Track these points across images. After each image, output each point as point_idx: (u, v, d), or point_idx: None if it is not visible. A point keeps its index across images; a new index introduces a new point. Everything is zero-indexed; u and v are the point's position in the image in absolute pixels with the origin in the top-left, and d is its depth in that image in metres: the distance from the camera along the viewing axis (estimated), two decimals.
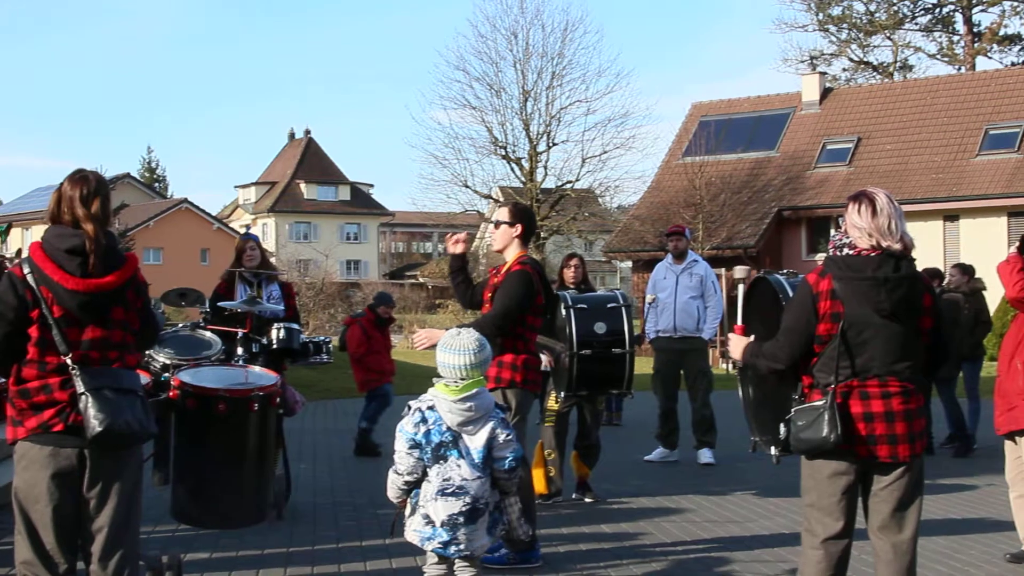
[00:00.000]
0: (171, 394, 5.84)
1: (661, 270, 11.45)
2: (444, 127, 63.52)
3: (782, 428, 4.80)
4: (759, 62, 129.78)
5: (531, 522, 6.58)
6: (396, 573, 6.79)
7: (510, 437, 5.10)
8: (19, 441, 4.57)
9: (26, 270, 4.53)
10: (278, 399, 6.08)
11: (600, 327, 8.53)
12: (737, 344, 5.11)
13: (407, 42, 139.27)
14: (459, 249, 7.01)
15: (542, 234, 37.75)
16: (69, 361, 4.50)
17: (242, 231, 60.77)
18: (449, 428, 5.01)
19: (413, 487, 5.08)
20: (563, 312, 8.36)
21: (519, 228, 6.71)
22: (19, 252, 7.26)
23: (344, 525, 8.20)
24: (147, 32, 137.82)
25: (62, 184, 4.68)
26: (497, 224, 6.79)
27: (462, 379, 5.01)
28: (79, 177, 4.68)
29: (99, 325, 4.57)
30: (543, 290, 6.66)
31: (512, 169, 40.50)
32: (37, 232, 58.32)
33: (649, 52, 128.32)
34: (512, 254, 6.71)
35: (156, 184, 79.36)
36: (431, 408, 5.05)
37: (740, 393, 5.60)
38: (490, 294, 6.66)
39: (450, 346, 5.08)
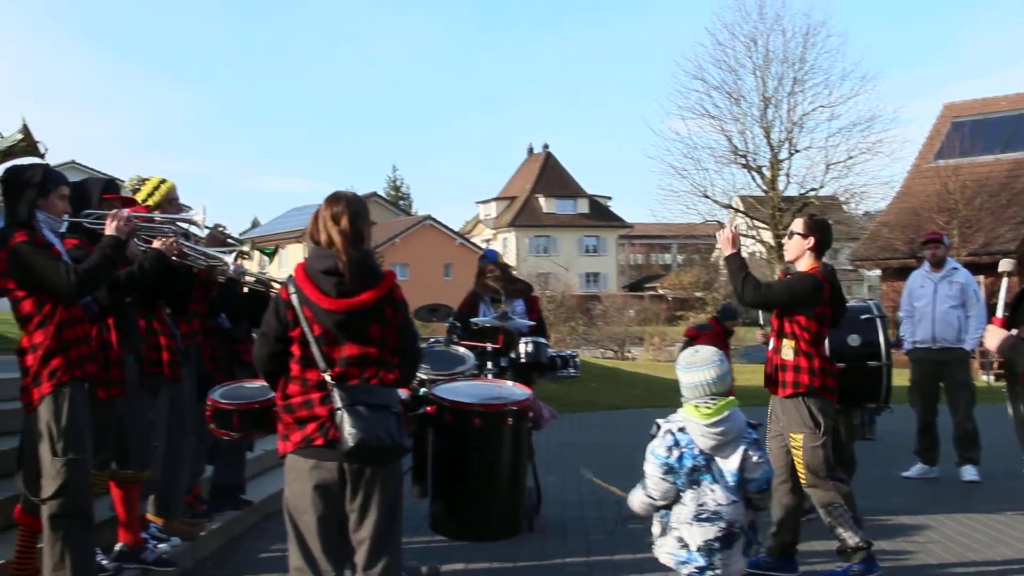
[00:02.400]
0: (428, 409, 5.97)
1: (917, 278, 11.03)
2: (682, 137, 62.63)
3: None
4: (1016, 59, 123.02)
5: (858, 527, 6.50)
6: None
7: (761, 459, 4.96)
8: (288, 454, 4.76)
9: (290, 291, 4.73)
10: (531, 413, 6.14)
11: (854, 339, 8.28)
12: (994, 336, 4.84)
13: (644, 53, 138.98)
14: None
15: (783, 242, 36.90)
16: (328, 378, 4.66)
17: (484, 246, 62.00)
18: (702, 452, 4.91)
19: (661, 507, 5.02)
20: None
21: (812, 240, 6.62)
22: (290, 276, 7.55)
23: (594, 539, 8.19)
24: (387, 54, 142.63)
25: (320, 205, 4.86)
26: (791, 235, 6.71)
27: (709, 396, 4.90)
28: (332, 197, 4.86)
29: (356, 342, 4.71)
30: (832, 300, 6.52)
31: (753, 178, 39.83)
32: (293, 251, 61.19)
33: (896, 53, 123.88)
34: (804, 266, 6.62)
35: (401, 202, 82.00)
36: (682, 430, 4.95)
37: (1010, 410, 5.30)
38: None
39: (691, 364, 4.98)
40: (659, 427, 5.00)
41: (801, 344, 6.41)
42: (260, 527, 8.53)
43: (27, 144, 7.11)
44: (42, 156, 7.17)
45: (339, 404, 4.60)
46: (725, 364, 5.01)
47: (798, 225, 6.72)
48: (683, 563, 4.92)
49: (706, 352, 5.00)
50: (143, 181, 7.05)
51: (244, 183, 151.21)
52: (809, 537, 7.73)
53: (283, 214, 71.98)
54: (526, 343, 8.37)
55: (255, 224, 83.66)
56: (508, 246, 71.93)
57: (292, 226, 65.27)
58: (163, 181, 7.02)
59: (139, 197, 6.96)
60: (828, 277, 6.55)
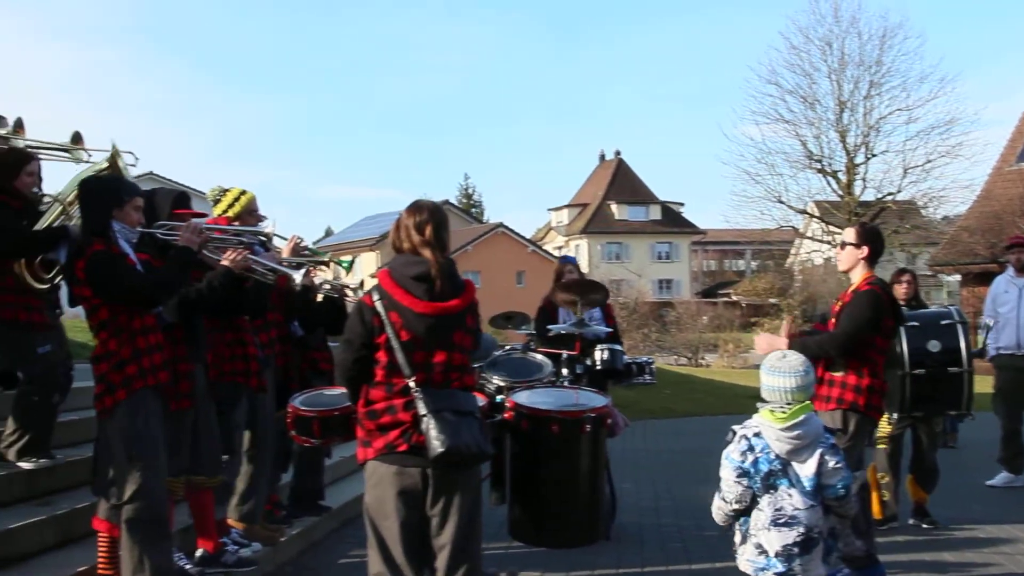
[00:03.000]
0: (506, 415, 6.00)
1: (1002, 284, 10.85)
2: (756, 142, 62.28)
3: None
4: None
5: (863, 537, 6.38)
6: None
7: (839, 464, 4.88)
8: (369, 460, 4.81)
9: (375, 297, 4.78)
10: (608, 421, 6.14)
11: (934, 345, 8.17)
12: None
13: (716, 59, 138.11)
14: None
15: (835, 253, 36.42)
16: (412, 383, 4.70)
17: (556, 253, 61.93)
18: (777, 456, 4.87)
19: (741, 514, 4.98)
20: None
21: (865, 250, 6.52)
22: (362, 283, 7.63)
23: (671, 547, 8.17)
24: (459, 61, 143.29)
25: (401, 214, 4.92)
26: (843, 245, 6.63)
27: (787, 403, 4.85)
28: (414, 207, 4.92)
29: (442, 348, 4.76)
30: (892, 311, 6.44)
31: (828, 183, 39.46)
32: (366, 259, 61.63)
33: (977, 54, 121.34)
34: (858, 275, 6.53)
35: (473, 209, 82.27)
36: (757, 435, 4.91)
37: None
38: (836, 315, 6.49)
39: (776, 368, 4.93)
40: (735, 433, 4.97)
41: (857, 361, 6.31)
42: (339, 533, 8.63)
43: (112, 171, 7.27)
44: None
45: (424, 410, 4.65)
46: (811, 374, 4.95)
47: (850, 235, 6.63)
48: (762, 570, 4.88)
49: (794, 360, 4.94)
50: (224, 192, 7.16)
51: (317, 192, 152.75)
52: (892, 550, 7.65)
53: (356, 223, 72.64)
54: (602, 350, 8.36)
55: (328, 233, 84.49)
56: (580, 253, 71.67)
57: (365, 235, 65.85)
58: (243, 192, 7.12)
59: (220, 208, 7.07)
60: (882, 287, 6.46)
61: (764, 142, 52.74)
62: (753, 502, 4.89)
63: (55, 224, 6.84)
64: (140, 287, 5.47)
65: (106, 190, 5.72)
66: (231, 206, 7.04)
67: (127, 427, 5.43)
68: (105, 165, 7.25)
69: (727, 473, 4.92)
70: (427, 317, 4.70)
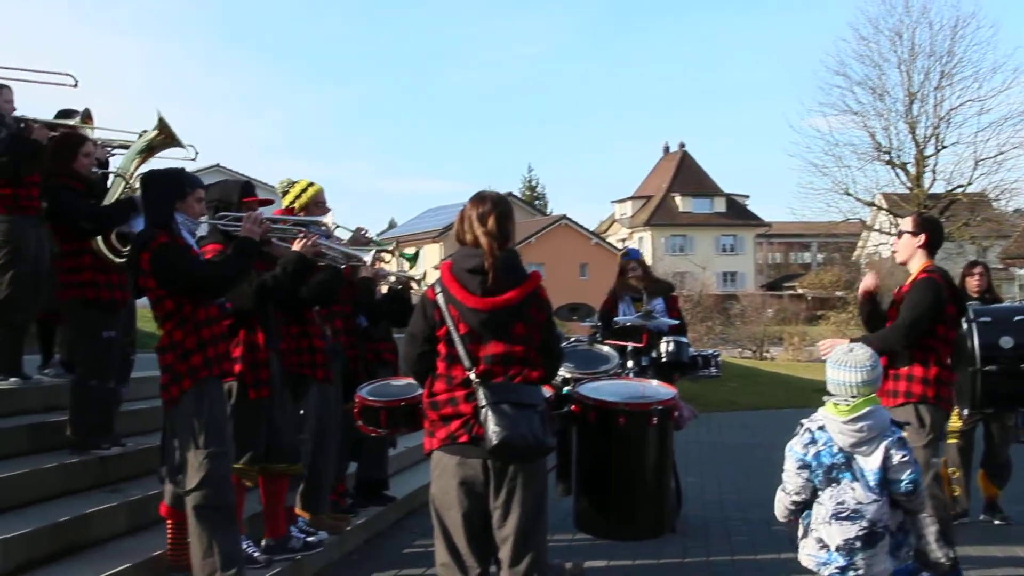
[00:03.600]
0: (572, 407, 5.99)
1: None
2: (823, 134, 61.56)
3: None
4: None
5: (949, 544, 6.27)
6: None
7: (905, 458, 4.78)
8: (433, 451, 4.82)
9: (437, 290, 4.79)
10: (676, 413, 6.11)
11: (1007, 341, 8.00)
12: None
13: (783, 50, 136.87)
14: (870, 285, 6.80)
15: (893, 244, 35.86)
16: (473, 376, 4.70)
17: (619, 246, 61.71)
18: (841, 450, 4.80)
19: (802, 507, 4.92)
20: (963, 324, 7.89)
21: (923, 238, 6.41)
22: (425, 275, 7.69)
23: (737, 540, 8.12)
24: (523, 53, 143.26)
25: (466, 205, 4.91)
26: (900, 234, 6.53)
27: (853, 397, 4.78)
28: (478, 197, 4.89)
29: (501, 341, 4.73)
30: (953, 299, 6.34)
31: (897, 175, 38.92)
32: (429, 251, 61.77)
33: None
34: (916, 265, 6.43)
35: (536, 201, 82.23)
36: (821, 428, 4.84)
37: None
38: (896, 306, 6.40)
39: (842, 362, 4.85)
40: (803, 426, 4.92)
41: (921, 351, 6.22)
42: (404, 523, 8.68)
43: (165, 136, 7.42)
44: (184, 147, 7.45)
45: (483, 402, 4.64)
46: (878, 369, 4.87)
47: (907, 224, 6.53)
48: (823, 564, 4.82)
49: (861, 354, 4.86)
50: (292, 184, 7.23)
51: (381, 184, 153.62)
52: (963, 545, 7.53)
53: (419, 215, 72.84)
54: (667, 342, 8.32)
55: (392, 225, 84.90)
56: (644, 245, 71.37)
57: (428, 227, 66.02)
58: (311, 184, 7.18)
59: (287, 199, 7.14)
60: (941, 274, 6.35)
61: (831, 134, 52.03)
62: (815, 495, 4.84)
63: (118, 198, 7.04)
64: (203, 278, 5.54)
65: (169, 182, 5.78)
66: (298, 198, 7.10)
67: (193, 416, 5.49)
68: (156, 132, 7.39)
69: (789, 464, 4.87)
70: (479, 312, 4.68)
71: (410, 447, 10.34)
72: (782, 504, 4.95)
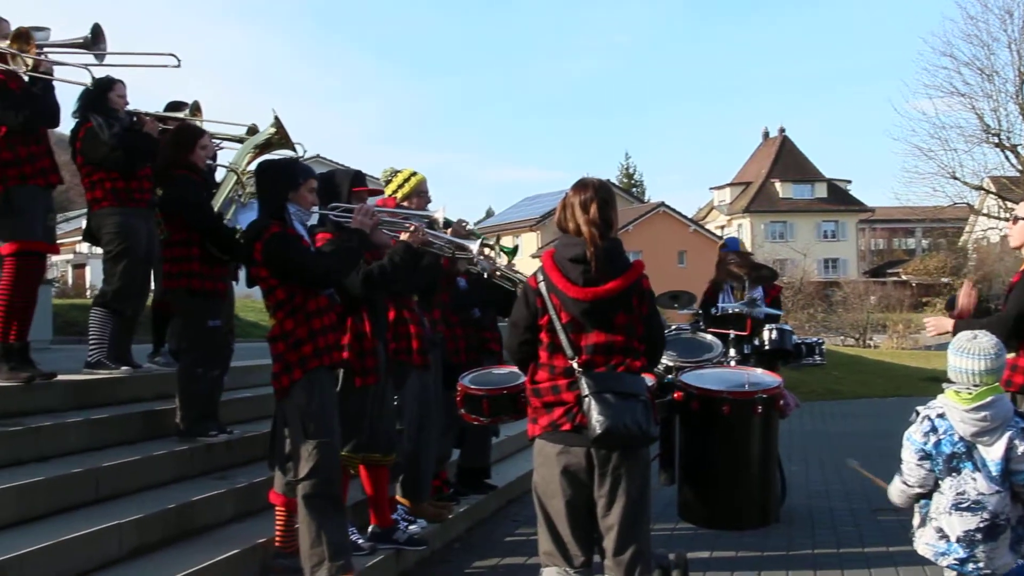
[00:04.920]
0: (675, 396, 5.93)
1: None
2: (929, 117, 60.49)
3: None
4: None
5: None
6: None
7: None
8: (536, 438, 4.81)
9: (539, 279, 4.77)
10: (781, 402, 6.02)
11: None
12: None
13: (886, 32, 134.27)
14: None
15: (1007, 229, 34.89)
16: (575, 365, 4.67)
17: (718, 232, 61.17)
18: (962, 439, 4.67)
19: (921, 497, 4.81)
20: None
21: None
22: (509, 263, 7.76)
23: (843, 530, 8.00)
24: (621, 41, 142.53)
25: (567, 192, 4.87)
26: (1015, 219, 6.32)
27: (975, 386, 4.65)
28: (579, 184, 4.85)
29: (603, 330, 4.69)
30: None
31: (1007, 157, 37.89)
32: (526, 240, 61.79)
33: None
34: None
35: (634, 189, 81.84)
36: (941, 416, 4.72)
37: None
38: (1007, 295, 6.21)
39: (965, 350, 4.71)
40: (918, 414, 4.79)
41: None
42: (505, 511, 8.70)
43: (280, 136, 7.53)
44: (294, 149, 7.56)
45: (586, 391, 4.60)
46: (1002, 357, 4.70)
47: (1022, 209, 6.30)
48: (942, 554, 4.70)
49: (985, 341, 4.71)
50: (395, 173, 7.28)
51: (479, 174, 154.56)
52: None
53: (516, 203, 73.04)
54: (770, 330, 8.22)
55: (489, 214, 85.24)
56: (743, 232, 70.60)
57: (525, 215, 66.14)
58: (414, 174, 7.22)
59: (390, 188, 7.19)
60: None
61: (937, 116, 51.28)
62: (936, 485, 4.72)
63: (230, 192, 7.16)
64: (315, 268, 5.58)
65: (281, 173, 5.84)
66: (401, 187, 7.14)
67: (304, 405, 5.56)
68: (273, 131, 7.52)
69: (908, 455, 4.74)
70: (581, 302, 4.65)
71: (511, 435, 10.36)
72: (903, 494, 4.83)
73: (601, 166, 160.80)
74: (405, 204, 7.05)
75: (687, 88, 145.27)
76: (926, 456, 4.68)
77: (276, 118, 7.59)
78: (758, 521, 6.10)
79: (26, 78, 6.84)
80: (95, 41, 6.91)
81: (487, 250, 7.38)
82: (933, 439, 4.67)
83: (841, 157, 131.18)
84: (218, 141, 8.01)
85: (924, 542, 4.78)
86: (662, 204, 64.50)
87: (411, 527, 7.02)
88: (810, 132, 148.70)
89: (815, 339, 8.86)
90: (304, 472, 5.56)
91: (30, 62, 6.61)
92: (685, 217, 65.56)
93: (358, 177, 6.58)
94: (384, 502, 6.70)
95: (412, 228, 6.22)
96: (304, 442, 5.56)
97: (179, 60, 7.40)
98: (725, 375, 6.22)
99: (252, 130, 8.08)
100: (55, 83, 6.99)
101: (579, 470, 4.70)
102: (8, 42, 6.60)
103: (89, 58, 7.12)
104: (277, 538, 6.07)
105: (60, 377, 7.12)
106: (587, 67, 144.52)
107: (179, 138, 7.28)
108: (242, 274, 6.49)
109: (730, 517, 6.03)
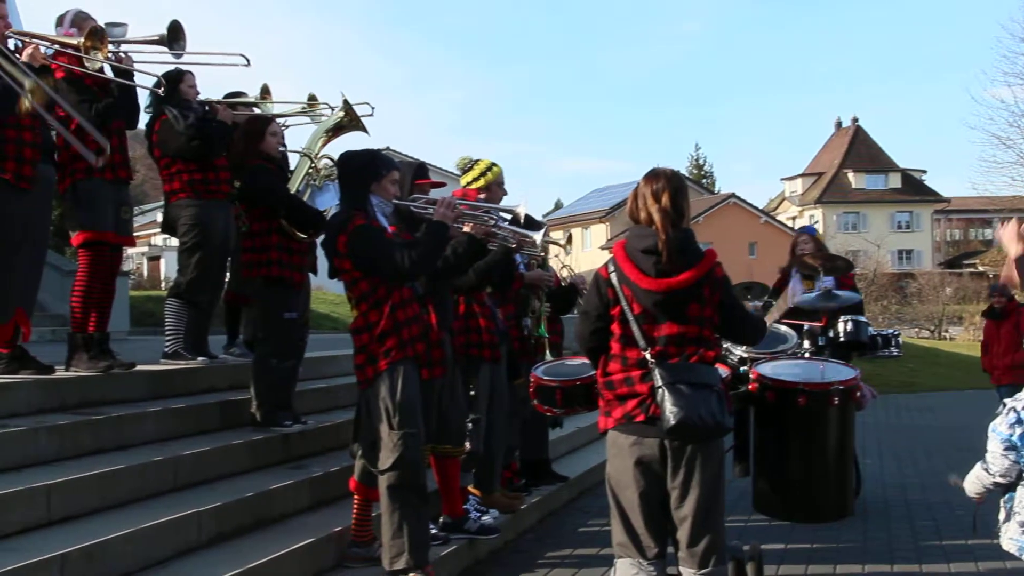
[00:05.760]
0: (750, 387, 5.88)
1: None
2: (1008, 105, 59.18)
3: None
4: None
5: None
6: None
7: None
8: (609, 430, 4.80)
9: (610, 269, 4.75)
10: (858, 394, 5.94)
11: None
12: None
13: (962, 20, 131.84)
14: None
15: None
16: (648, 356, 4.65)
17: (789, 224, 60.56)
18: None
19: (1005, 490, 4.73)
20: None
21: None
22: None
23: (920, 524, 7.89)
24: (691, 30, 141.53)
25: (639, 182, 4.85)
26: None
27: None
28: (651, 174, 4.80)
29: (676, 321, 4.65)
30: None
31: None
32: (596, 231, 61.52)
33: None
34: None
35: (703, 180, 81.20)
36: None
37: None
38: None
39: None
40: (1005, 406, 4.71)
41: None
42: (577, 502, 8.69)
43: (351, 119, 7.58)
44: (366, 130, 7.60)
45: (660, 382, 4.57)
46: None
47: None
48: None
49: None
50: (474, 163, 7.27)
51: (547, 165, 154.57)
52: None
53: (585, 195, 72.95)
54: (846, 321, 8.12)
55: (558, 206, 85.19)
56: (815, 223, 69.87)
57: (595, 207, 66.01)
58: (493, 165, 7.21)
59: (468, 177, 7.18)
60: None
61: (1016, 104, 50.06)
62: (1019, 478, 4.64)
63: (304, 176, 7.25)
64: (401, 261, 5.58)
65: (364, 164, 5.86)
66: (479, 178, 7.14)
67: (388, 397, 5.58)
68: (343, 114, 7.58)
69: (994, 446, 4.67)
70: (653, 294, 4.62)
71: (581, 427, 10.35)
72: (980, 482, 4.76)
73: (671, 157, 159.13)
74: (481, 196, 7.06)
75: (758, 77, 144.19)
76: (1011, 447, 4.61)
77: (345, 101, 7.62)
78: (834, 514, 6.02)
79: (110, 73, 6.97)
80: (173, 39, 6.98)
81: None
82: (1019, 431, 4.60)
83: (916, 147, 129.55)
84: (283, 121, 8.07)
85: (1009, 537, 4.70)
86: (732, 195, 64.01)
87: (483, 517, 7.03)
88: (884, 122, 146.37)
89: (891, 331, 8.73)
90: (389, 463, 5.59)
91: (101, 59, 6.72)
92: (756, 208, 65.02)
93: (421, 169, 6.59)
94: (455, 493, 6.72)
95: (475, 219, 6.20)
96: (388, 433, 5.58)
97: (248, 60, 7.48)
98: (800, 366, 6.14)
99: (312, 98, 8.16)
100: (134, 79, 7.11)
101: (653, 461, 4.67)
102: (83, 39, 6.72)
103: (161, 55, 7.21)
104: (353, 527, 6.12)
105: (138, 367, 7.25)
106: (656, 56, 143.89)
107: (248, 129, 7.36)
108: (321, 266, 6.54)
109: (805, 510, 5.96)
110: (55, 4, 7.23)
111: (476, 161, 7.26)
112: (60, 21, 7.10)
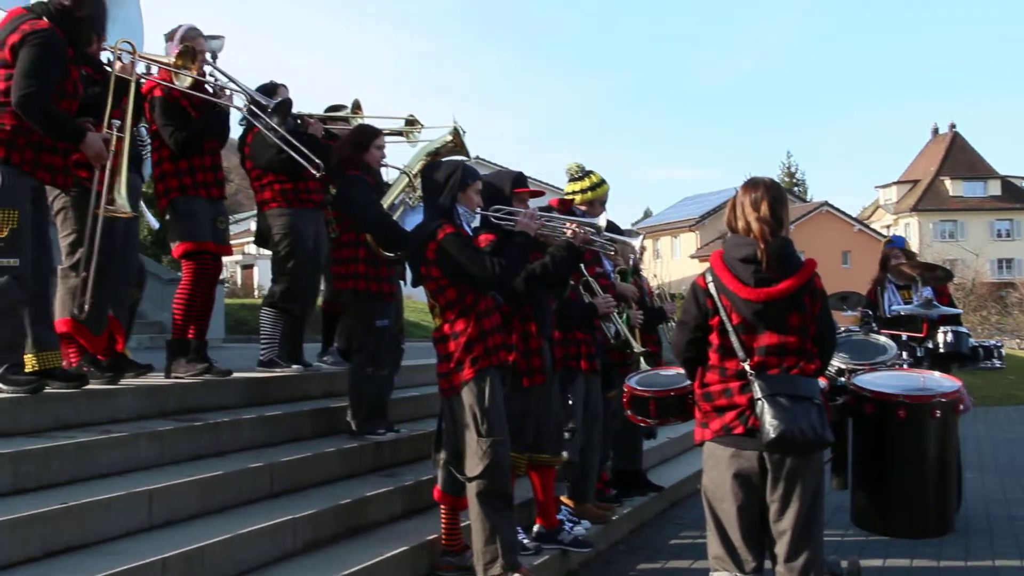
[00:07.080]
0: (848, 399, 5.79)
1: None
2: None
3: None
4: None
5: None
6: None
7: None
8: (706, 442, 4.75)
9: (708, 279, 4.71)
10: (960, 407, 5.80)
11: None
12: None
13: None
14: None
15: None
16: (747, 367, 4.59)
17: (884, 232, 59.52)
18: None
19: None
20: None
21: None
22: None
23: None
24: (782, 37, 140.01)
25: (737, 191, 4.80)
26: None
27: None
28: (750, 183, 4.77)
29: (776, 331, 4.60)
30: None
31: None
32: (685, 240, 61.30)
33: None
34: None
35: (795, 188, 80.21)
36: None
37: None
38: None
39: None
40: None
41: None
42: (669, 513, 8.62)
43: (455, 145, 7.61)
44: (469, 156, 7.63)
45: (759, 394, 4.52)
46: None
47: None
48: None
49: None
50: (585, 172, 7.27)
51: (636, 173, 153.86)
52: None
53: (676, 203, 72.59)
54: (945, 332, 7.94)
55: (647, 214, 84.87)
56: (910, 232, 68.61)
57: (685, 215, 65.60)
58: (603, 183, 7.22)
59: (576, 186, 7.20)
60: None
61: None
62: None
63: (399, 194, 7.30)
64: (489, 270, 5.61)
65: (450, 174, 5.90)
66: (590, 191, 7.16)
67: (475, 405, 5.60)
68: (449, 138, 7.62)
69: None
70: (752, 303, 4.57)
71: (673, 438, 10.28)
72: None
73: (762, 165, 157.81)
74: (583, 208, 7.05)
75: (850, 84, 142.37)
76: None
77: (456, 127, 7.67)
78: (935, 530, 5.88)
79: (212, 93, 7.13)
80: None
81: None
82: None
83: (1016, 153, 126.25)
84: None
85: None
86: (825, 203, 63.22)
87: (576, 528, 7.00)
88: (983, 128, 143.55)
89: (994, 342, 8.52)
90: (478, 470, 5.61)
91: (188, 81, 6.89)
92: (849, 216, 64.13)
93: (520, 179, 6.60)
94: (551, 503, 6.70)
95: (575, 227, 6.19)
96: (476, 441, 5.60)
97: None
98: (900, 378, 6.01)
99: (410, 121, 8.21)
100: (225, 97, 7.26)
101: (751, 474, 4.62)
102: (174, 59, 6.86)
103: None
104: (443, 536, 6.13)
105: (235, 375, 7.36)
106: (748, 63, 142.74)
107: (356, 138, 7.41)
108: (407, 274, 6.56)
109: (905, 525, 5.83)
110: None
111: (588, 172, 7.26)
112: (171, 36, 7.24)
